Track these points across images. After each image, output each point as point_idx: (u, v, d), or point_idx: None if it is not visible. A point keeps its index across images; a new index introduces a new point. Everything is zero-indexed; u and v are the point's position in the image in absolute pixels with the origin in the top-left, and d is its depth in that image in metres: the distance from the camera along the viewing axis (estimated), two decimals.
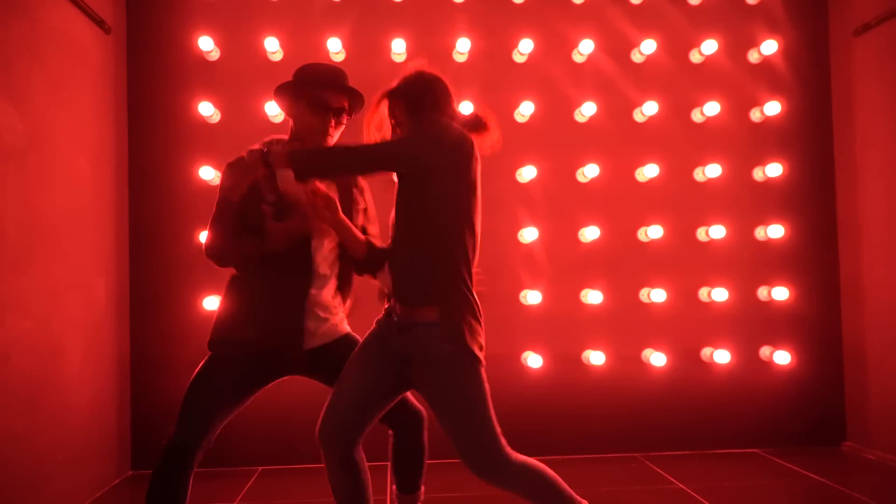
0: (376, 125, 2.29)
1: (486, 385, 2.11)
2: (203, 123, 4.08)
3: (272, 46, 4.06)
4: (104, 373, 3.69)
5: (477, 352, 2.09)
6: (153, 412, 3.94)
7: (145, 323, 3.98)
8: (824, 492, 3.44)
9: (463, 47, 4.14)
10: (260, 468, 3.99)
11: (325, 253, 2.35)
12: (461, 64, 4.22)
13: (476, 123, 2.25)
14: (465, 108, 4.03)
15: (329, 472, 2.25)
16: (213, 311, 3.94)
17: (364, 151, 2.08)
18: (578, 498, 2.22)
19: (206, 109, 4.02)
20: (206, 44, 4.05)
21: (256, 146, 2.21)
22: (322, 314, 2.33)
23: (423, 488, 2.52)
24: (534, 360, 4.08)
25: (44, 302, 3.08)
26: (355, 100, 2.45)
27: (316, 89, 2.36)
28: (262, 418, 3.90)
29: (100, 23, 3.74)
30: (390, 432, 2.45)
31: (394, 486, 2.53)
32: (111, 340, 3.77)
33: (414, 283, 2.12)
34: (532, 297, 4.13)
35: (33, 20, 3.12)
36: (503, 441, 2.11)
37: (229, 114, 4.09)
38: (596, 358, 4.14)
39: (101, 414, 3.63)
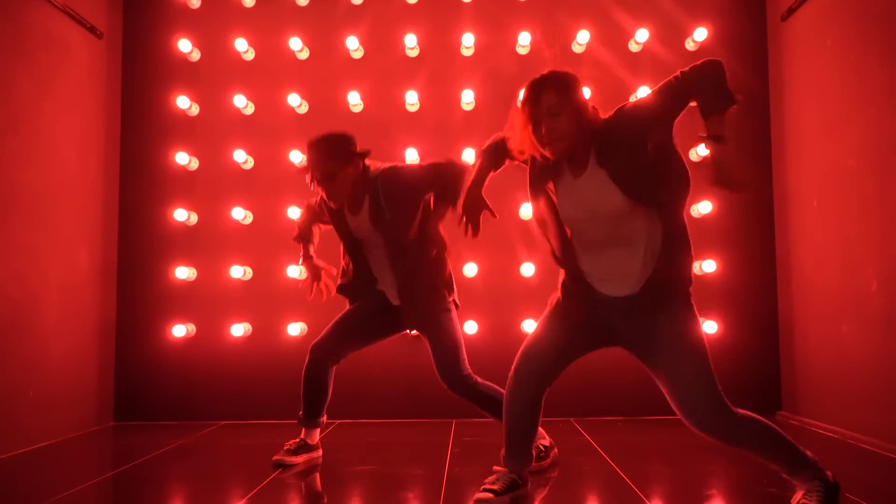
0: None
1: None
2: (183, 115, 4.61)
3: (242, 47, 4.57)
4: (85, 330, 4.22)
5: None
6: (137, 371, 4.45)
7: (132, 290, 4.50)
8: None
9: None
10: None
11: None
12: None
13: None
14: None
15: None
16: (184, 280, 4.44)
17: None
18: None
19: (184, 103, 4.56)
20: (186, 46, 4.59)
21: None
22: None
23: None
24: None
25: (20, 260, 3.63)
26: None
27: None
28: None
29: (90, 28, 4.32)
30: None
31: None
32: (93, 302, 4.31)
33: None
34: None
35: (18, 22, 3.70)
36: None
37: (205, 107, 4.62)
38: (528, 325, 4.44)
39: (80, 366, 4.16)
